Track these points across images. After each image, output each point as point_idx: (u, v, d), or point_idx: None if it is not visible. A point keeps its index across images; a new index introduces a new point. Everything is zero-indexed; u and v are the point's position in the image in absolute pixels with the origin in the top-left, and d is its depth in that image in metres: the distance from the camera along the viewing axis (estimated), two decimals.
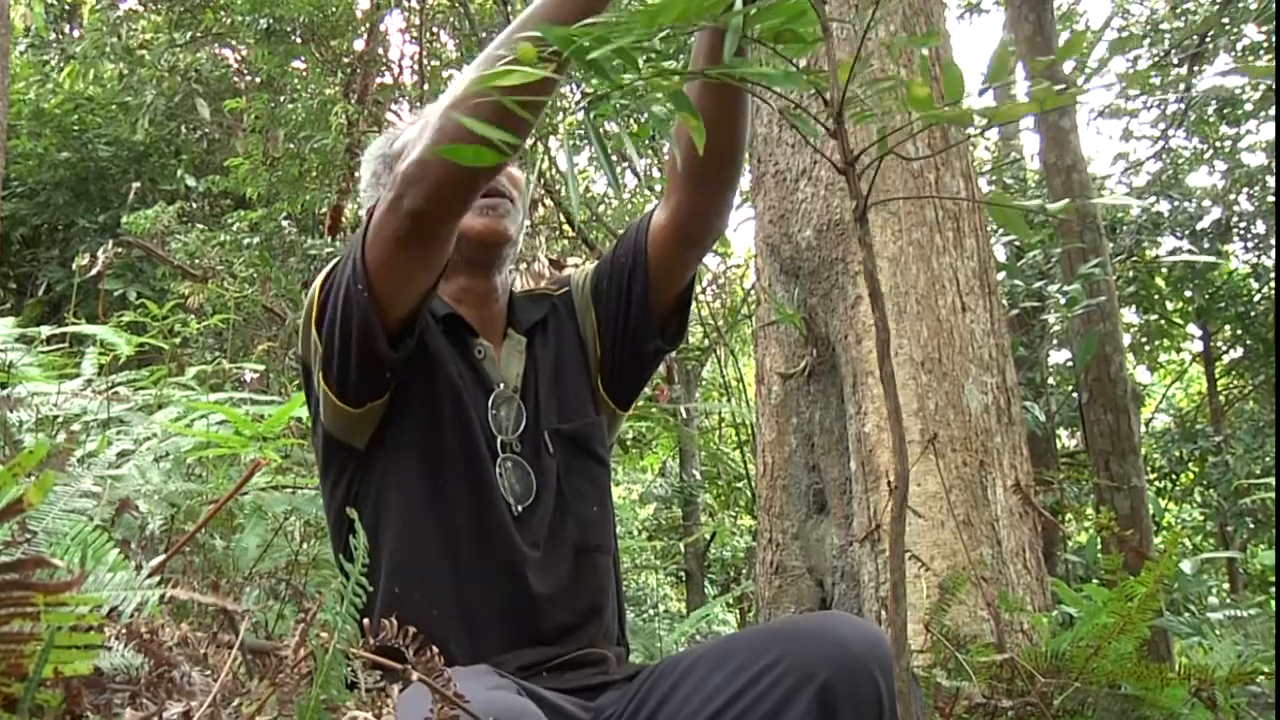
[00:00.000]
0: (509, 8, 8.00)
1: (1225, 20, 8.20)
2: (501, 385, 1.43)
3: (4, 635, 0.67)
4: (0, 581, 0.64)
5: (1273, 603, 5.17)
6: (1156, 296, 9.04)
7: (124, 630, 0.86)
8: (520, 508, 1.36)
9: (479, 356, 1.44)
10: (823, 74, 1.02)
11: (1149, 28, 9.02)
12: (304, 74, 8.11)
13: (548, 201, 7.80)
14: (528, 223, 1.73)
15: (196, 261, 6.75)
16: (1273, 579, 7.74)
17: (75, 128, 8.56)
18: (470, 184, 1.22)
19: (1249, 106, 8.66)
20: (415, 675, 0.81)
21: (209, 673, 0.96)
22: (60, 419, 2.55)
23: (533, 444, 1.41)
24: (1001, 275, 5.51)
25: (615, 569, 1.47)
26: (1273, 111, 8.42)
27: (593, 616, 1.38)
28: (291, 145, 7.41)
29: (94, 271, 5.24)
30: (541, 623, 1.31)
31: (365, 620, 0.87)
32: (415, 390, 1.37)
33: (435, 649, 0.82)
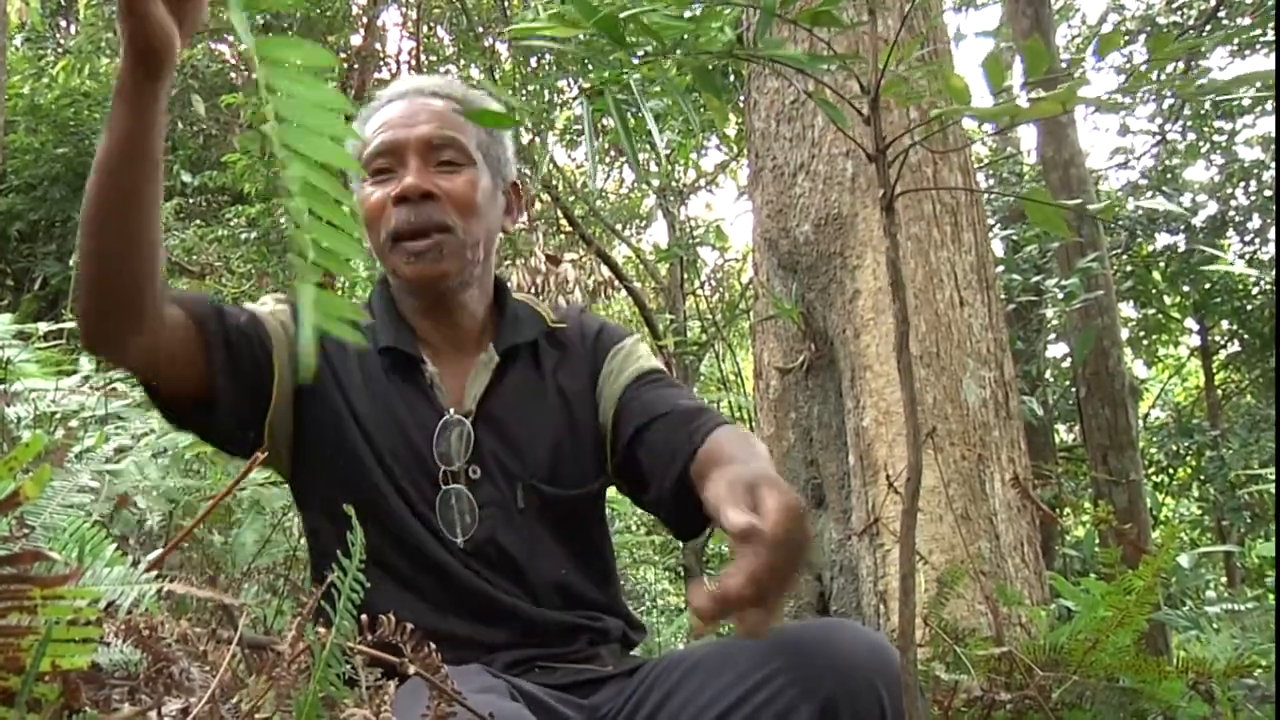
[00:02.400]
0: (505, 2, 7.99)
1: (1221, 14, 8.20)
2: (451, 411, 1.33)
3: (1, 629, 0.67)
4: None
5: (1270, 596, 5.18)
6: (1154, 291, 9.05)
7: (123, 626, 0.86)
8: (465, 539, 1.28)
9: (427, 383, 1.34)
10: (856, 58, 1.02)
11: (1144, 23, 9.02)
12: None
13: (545, 196, 7.79)
14: (524, 219, 1.62)
15: (194, 258, 6.74)
16: (1269, 572, 7.75)
17: (72, 122, 8.54)
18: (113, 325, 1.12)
19: (1246, 101, 8.66)
20: (411, 670, 0.81)
21: (208, 668, 0.96)
22: (58, 415, 2.54)
23: (488, 470, 1.32)
24: (999, 269, 5.51)
25: (610, 589, 1.39)
26: (1269, 105, 8.42)
27: (580, 640, 1.31)
28: None
29: None
30: (504, 656, 1.26)
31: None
32: (329, 435, 1.30)
33: (433, 645, 0.82)
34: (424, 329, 1.39)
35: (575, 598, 1.34)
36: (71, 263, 5.22)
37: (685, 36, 1.03)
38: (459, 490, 1.30)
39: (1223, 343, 10.31)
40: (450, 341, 1.39)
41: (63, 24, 10.57)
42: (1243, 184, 8.74)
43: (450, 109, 1.36)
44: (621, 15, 0.85)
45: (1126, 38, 8.92)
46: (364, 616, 0.84)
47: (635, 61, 1.05)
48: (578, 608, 1.34)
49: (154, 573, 0.80)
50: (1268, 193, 8.48)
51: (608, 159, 9.25)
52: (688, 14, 1.00)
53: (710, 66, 1.03)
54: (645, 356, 1.44)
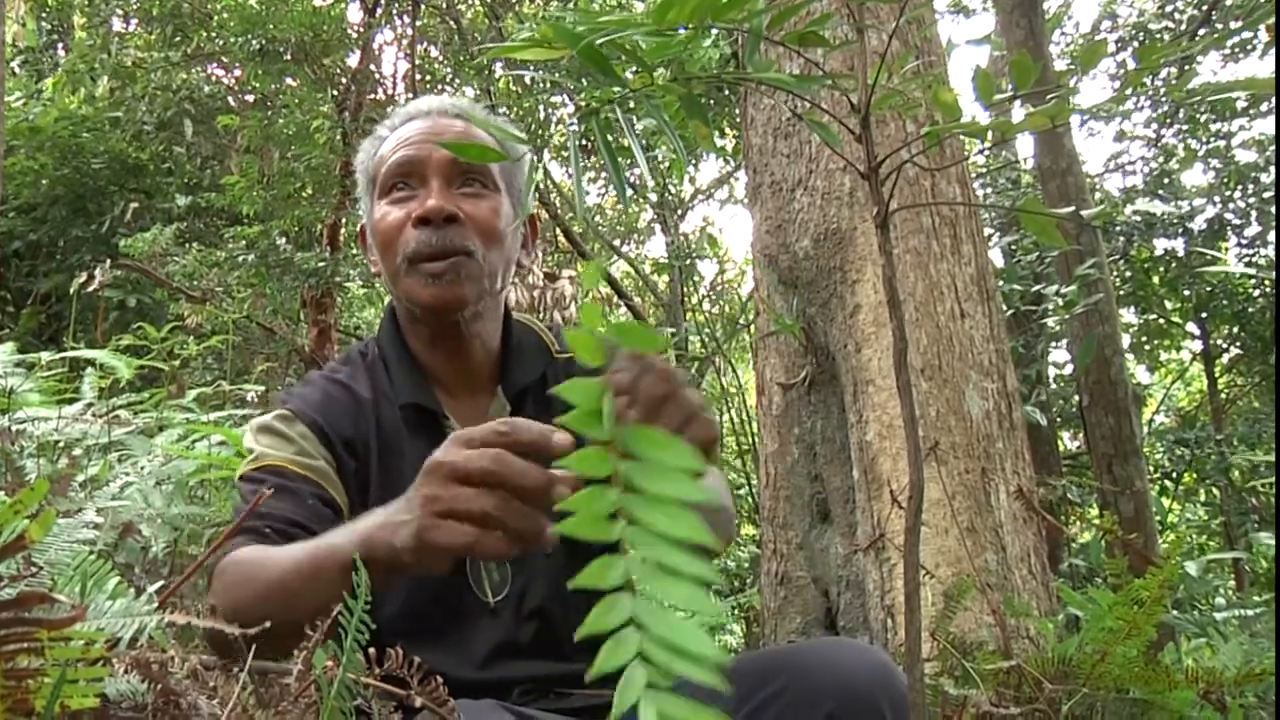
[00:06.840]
0: (499, 23, 8.03)
1: (1213, 15, 8.22)
2: None
3: (9, 671, 0.66)
4: (3, 619, 0.64)
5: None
6: (1154, 296, 9.05)
7: (132, 661, 0.86)
8: (496, 599, 1.25)
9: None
10: (846, 77, 1.02)
11: (1137, 30, 9.06)
12: (297, 90, 8.13)
13: (543, 214, 7.81)
14: (537, 254, 1.54)
15: (195, 283, 6.76)
16: None
17: (71, 145, 8.59)
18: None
19: (1241, 103, 8.68)
20: (419, 702, 0.80)
21: (216, 701, 0.96)
22: (61, 444, 2.54)
23: None
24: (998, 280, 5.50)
25: None
26: (1265, 107, 8.44)
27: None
28: (285, 163, 7.44)
29: (92, 288, 5.27)
30: (523, 686, 1.24)
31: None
32: (359, 496, 1.24)
33: (440, 678, 0.81)
34: (435, 364, 1.34)
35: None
36: (73, 289, 5.23)
37: (674, 58, 1.03)
38: None
39: (1225, 346, 10.30)
40: (462, 378, 1.35)
41: (61, 50, 10.62)
42: (1240, 187, 8.75)
43: (473, 132, 1.31)
44: (599, 42, 0.85)
45: (1117, 44, 8.95)
46: (372, 651, 0.83)
47: (627, 79, 1.05)
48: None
49: (156, 604, 0.80)
50: (1266, 195, 8.49)
51: (603, 174, 9.28)
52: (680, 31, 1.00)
53: (698, 92, 1.03)
54: None
